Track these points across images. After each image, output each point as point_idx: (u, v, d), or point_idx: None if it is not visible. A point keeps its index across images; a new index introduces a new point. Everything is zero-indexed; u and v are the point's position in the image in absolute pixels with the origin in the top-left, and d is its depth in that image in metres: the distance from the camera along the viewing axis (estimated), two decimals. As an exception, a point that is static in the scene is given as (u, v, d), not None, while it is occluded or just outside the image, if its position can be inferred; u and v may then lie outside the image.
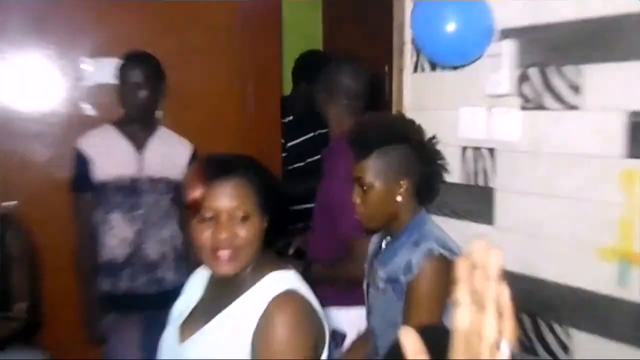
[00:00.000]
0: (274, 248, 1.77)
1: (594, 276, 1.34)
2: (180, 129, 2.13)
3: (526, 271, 1.47)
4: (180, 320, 1.27)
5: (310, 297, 1.19)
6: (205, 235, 1.12)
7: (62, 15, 2.24)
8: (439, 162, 1.51)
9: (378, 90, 2.00)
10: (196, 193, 1.12)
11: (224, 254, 1.12)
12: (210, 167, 1.17)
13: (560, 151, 1.41)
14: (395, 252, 1.41)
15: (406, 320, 1.31)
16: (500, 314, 0.42)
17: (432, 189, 1.50)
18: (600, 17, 1.31)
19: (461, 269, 0.43)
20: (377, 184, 1.40)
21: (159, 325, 1.81)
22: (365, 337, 1.59)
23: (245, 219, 1.13)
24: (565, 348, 1.41)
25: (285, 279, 1.19)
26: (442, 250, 1.36)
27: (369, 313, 1.52)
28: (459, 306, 0.44)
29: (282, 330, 1.10)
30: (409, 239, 1.40)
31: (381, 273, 1.43)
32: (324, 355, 1.19)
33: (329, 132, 2.00)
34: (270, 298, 1.14)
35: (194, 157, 2.07)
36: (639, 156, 1.26)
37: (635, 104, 1.26)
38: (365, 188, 1.40)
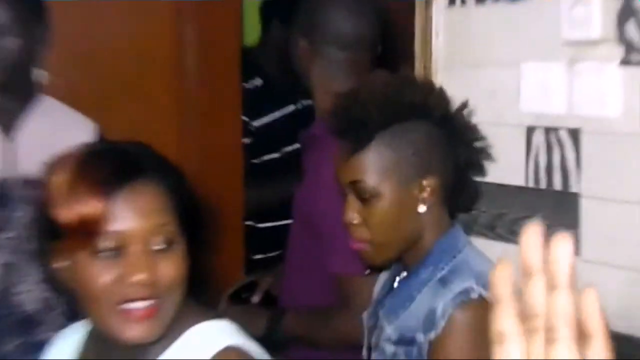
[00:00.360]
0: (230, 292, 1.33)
1: None
2: (80, 100, 1.51)
3: (627, 327, 1.00)
4: None
5: (261, 357, 0.90)
6: (104, 279, 0.77)
7: None
8: (479, 145, 1.06)
9: (393, 37, 1.42)
10: (87, 210, 0.76)
11: (138, 308, 0.79)
12: (105, 166, 0.80)
13: None
14: (412, 295, 1.00)
15: None
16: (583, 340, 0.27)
17: (468, 189, 1.07)
18: None
19: (500, 280, 0.29)
20: (385, 190, 0.98)
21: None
22: None
23: (168, 247, 0.80)
24: None
25: (218, 333, 0.90)
26: (484, 292, 0.93)
27: None
28: (504, 341, 0.28)
29: None
30: (433, 273, 0.99)
31: (389, 330, 1.02)
32: None
33: (314, 106, 1.41)
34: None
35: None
36: None
37: None
38: (366, 198, 0.98)
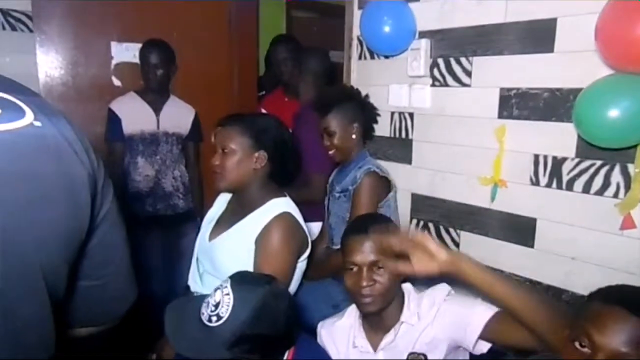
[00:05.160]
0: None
1: (476, 195, 2.00)
2: (186, 98, 2.77)
3: (433, 194, 2.14)
4: (210, 226, 1.70)
5: (298, 216, 1.61)
6: None
7: (98, 7, 2.72)
8: (375, 113, 2.13)
9: (334, 72, 2.62)
10: None
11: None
12: None
13: (457, 114, 2.04)
14: (347, 173, 2.01)
15: (353, 215, 1.90)
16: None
17: (371, 131, 2.12)
18: (483, 25, 1.92)
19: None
20: (338, 130, 2.00)
21: (174, 238, 2.52)
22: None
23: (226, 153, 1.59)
24: (457, 244, 2.08)
25: (282, 204, 1.59)
26: (376, 169, 1.97)
27: (328, 216, 2.13)
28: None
29: (276, 238, 1.52)
30: (356, 164, 2.00)
31: (337, 187, 2.04)
32: (306, 254, 1.63)
33: (300, 101, 2.55)
34: (271, 216, 1.55)
35: (196, 118, 2.71)
36: (506, 117, 1.90)
37: (504, 83, 1.87)
38: (330, 134, 2.00)
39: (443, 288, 1.43)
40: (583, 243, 1.69)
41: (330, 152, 2.04)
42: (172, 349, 1.47)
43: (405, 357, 1.39)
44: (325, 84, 2.51)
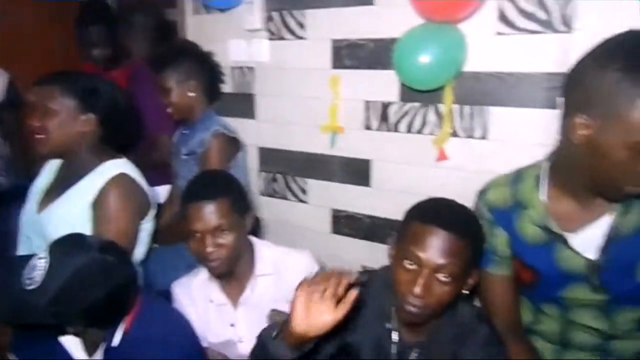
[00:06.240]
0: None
1: (317, 143, 2.12)
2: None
3: (279, 146, 2.22)
4: (38, 197, 1.59)
5: (137, 177, 1.56)
6: None
7: None
8: (218, 70, 2.10)
9: (170, 28, 2.51)
10: None
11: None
12: None
13: (295, 67, 2.11)
14: (193, 134, 1.98)
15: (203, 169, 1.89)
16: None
17: (217, 90, 2.08)
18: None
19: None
20: (174, 87, 1.95)
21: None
22: None
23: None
24: (304, 191, 2.20)
25: (117, 165, 1.55)
26: (224, 130, 1.97)
27: (176, 178, 2.09)
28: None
29: (114, 200, 1.48)
30: (202, 125, 1.98)
31: (183, 149, 2.00)
32: (149, 215, 1.61)
33: (133, 62, 2.42)
34: (106, 179, 1.49)
35: (11, 83, 2.43)
36: (339, 67, 2.01)
37: (335, 35, 1.97)
38: (166, 91, 1.94)
39: (309, 262, 1.46)
40: (409, 177, 1.90)
41: (169, 110, 1.99)
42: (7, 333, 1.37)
43: (268, 312, 1.42)
44: (160, 40, 2.40)
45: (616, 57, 0.93)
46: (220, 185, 1.40)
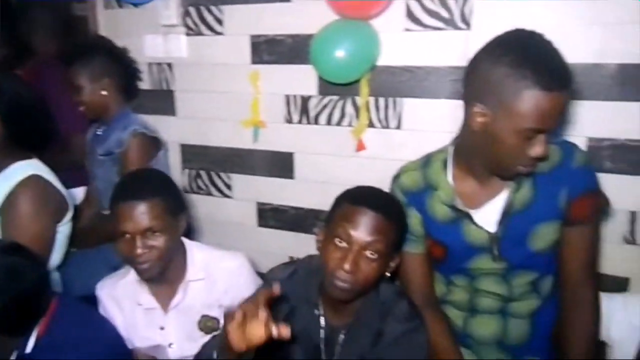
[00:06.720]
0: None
1: (239, 138, 2.14)
2: None
3: (201, 142, 2.22)
4: None
5: (50, 177, 1.48)
6: None
7: None
8: (133, 67, 2.05)
9: (76, 23, 2.40)
10: None
11: None
12: None
13: (214, 62, 2.11)
14: (109, 134, 1.91)
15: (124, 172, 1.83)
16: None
17: (133, 88, 2.02)
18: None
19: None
20: (86, 84, 1.87)
21: None
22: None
23: None
24: (228, 186, 2.22)
25: (27, 166, 1.46)
26: (143, 130, 1.91)
27: (92, 179, 2.03)
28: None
29: (25, 204, 1.41)
30: (118, 124, 1.90)
31: (99, 149, 1.93)
32: (66, 217, 1.55)
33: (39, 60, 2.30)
34: (15, 182, 1.40)
35: None
36: (258, 63, 2.04)
37: (254, 30, 2.00)
38: (77, 89, 1.86)
39: (243, 265, 1.44)
40: (330, 168, 1.98)
41: (81, 109, 1.92)
42: None
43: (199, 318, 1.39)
44: (65, 36, 2.30)
45: (506, 53, 1.05)
46: (154, 184, 1.33)
